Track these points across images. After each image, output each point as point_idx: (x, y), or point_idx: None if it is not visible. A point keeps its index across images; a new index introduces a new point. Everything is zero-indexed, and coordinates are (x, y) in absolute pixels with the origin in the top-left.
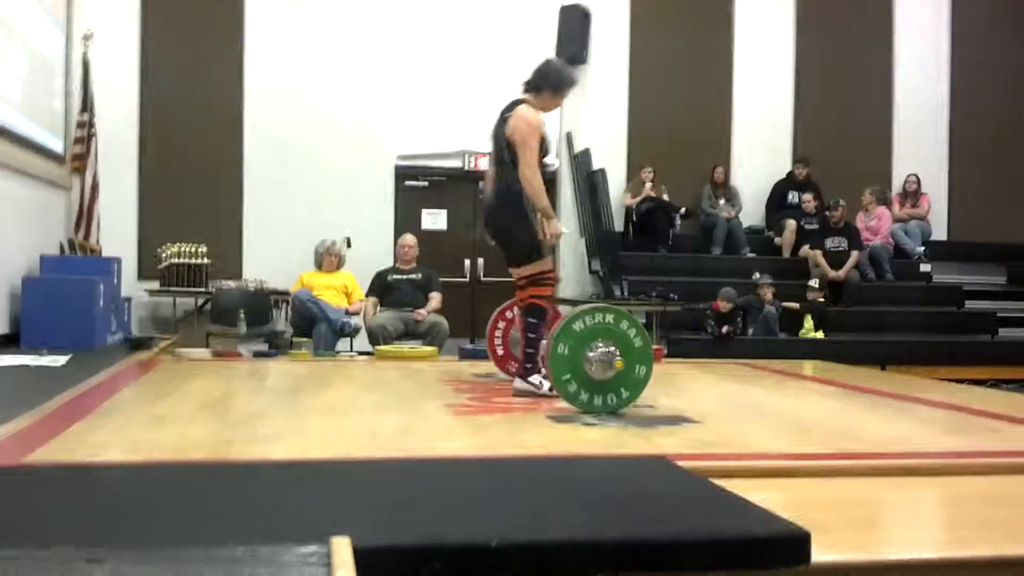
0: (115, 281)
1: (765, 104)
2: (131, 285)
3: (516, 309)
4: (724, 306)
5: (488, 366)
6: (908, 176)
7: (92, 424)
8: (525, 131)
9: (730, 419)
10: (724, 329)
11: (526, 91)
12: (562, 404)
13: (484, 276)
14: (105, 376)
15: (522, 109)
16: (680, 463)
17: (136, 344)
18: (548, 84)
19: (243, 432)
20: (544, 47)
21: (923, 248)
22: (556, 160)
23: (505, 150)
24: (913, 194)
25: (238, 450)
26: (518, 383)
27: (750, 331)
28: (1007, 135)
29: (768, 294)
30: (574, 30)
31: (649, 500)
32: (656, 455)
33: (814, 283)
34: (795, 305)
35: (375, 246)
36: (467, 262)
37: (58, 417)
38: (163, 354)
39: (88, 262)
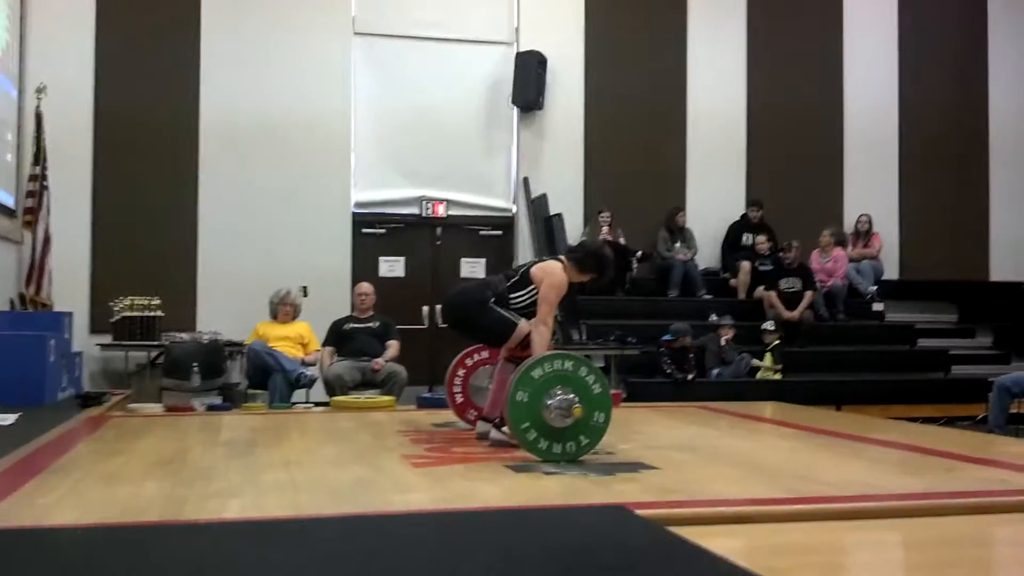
0: (66, 336)
1: (719, 146)
2: (83, 339)
3: (503, 361)
4: (683, 342)
5: (447, 415)
6: (860, 216)
7: (42, 484)
8: (548, 291)
9: (688, 464)
10: (690, 376)
11: (568, 257)
12: (524, 452)
13: (443, 323)
14: (56, 434)
15: (556, 267)
16: (639, 511)
17: (87, 400)
18: (591, 267)
19: (197, 489)
20: (500, 93)
21: (875, 287)
22: (514, 205)
23: (517, 276)
24: (865, 234)
25: (192, 509)
26: (495, 433)
27: (714, 372)
28: (957, 174)
29: (728, 335)
30: (530, 76)
31: (607, 552)
32: (615, 504)
33: (770, 325)
34: (760, 363)
35: (332, 295)
36: (425, 309)
37: (7, 478)
38: (115, 410)
39: (39, 317)
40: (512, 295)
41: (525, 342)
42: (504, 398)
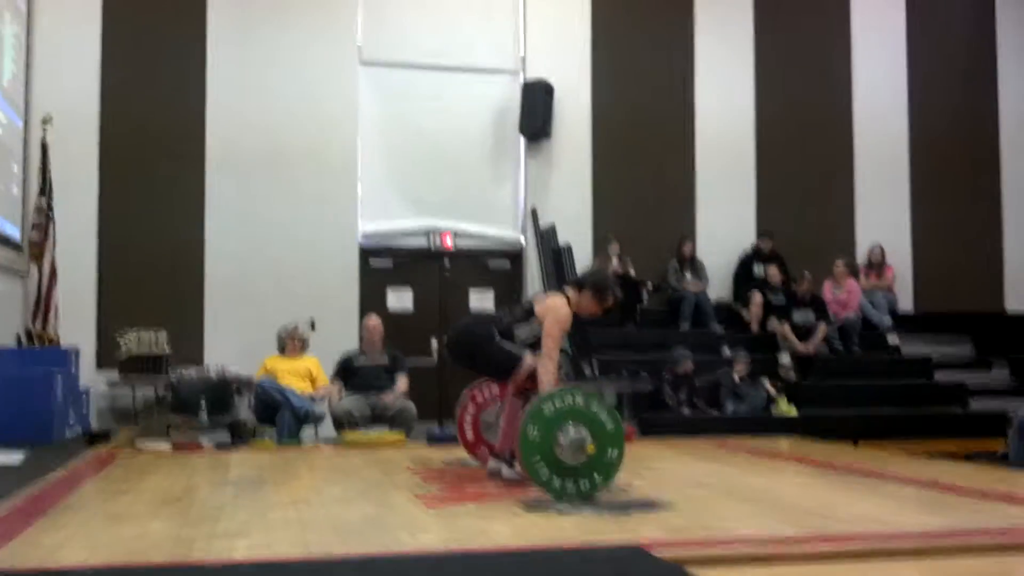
0: (73, 372)
1: (728, 173)
2: (90, 375)
3: (511, 396)
4: (684, 368)
5: (457, 451)
6: (872, 247)
7: (50, 524)
8: (553, 323)
9: (705, 502)
10: (686, 411)
11: (570, 289)
12: (536, 490)
13: (448, 357)
14: (63, 473)
15: (560, 301)
16: (656, 551)
17: (94, 438)
18: (590, 287)
19: (204, 529)
20: (508, 123)
21: (890, 319)
22: (522, 236)
23: (521, 310)
24: (878, 264)
25: (199, 549)
26: (506, 471)
27: (729, 407)
28: (969, 204)
29: (743, 368)
30: (537, 106)
31: None
32: (631, 544)
33: (785, 359)
34: (773, 391)
35: (340, 328)
36: (434, 342)
37: (15, 517)
38: (122, 447)
39: (46, 353)
40: (517, 329)
41: (532, 376)
42: (515, 434)
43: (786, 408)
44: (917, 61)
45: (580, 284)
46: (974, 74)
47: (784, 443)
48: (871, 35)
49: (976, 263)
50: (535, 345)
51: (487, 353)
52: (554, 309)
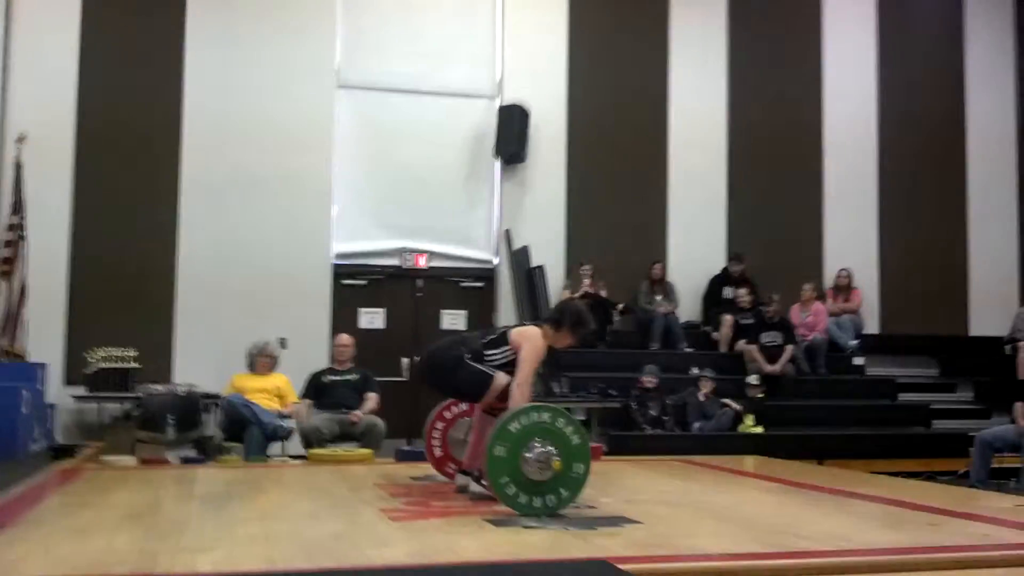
0: (40, 388)
1: (699, 201)
2: (57, 391)
3: (481, 413)
4: (649, 381)
5: (425, 467)
6: (840, 271)
7: (12, 537)
8: (529, 352)
9: (671, 518)
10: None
11: (546, 323)
12: (503, 505)
13: (422, 382)
14: (27, 487)
15: (536, 332)
16: (622, 566)
17: (59, 452)
18: (567, 326)
19: (169, 543)
20: (484, 147)
21: (856, 342)
22: (495, 257)
23: (495, 334)
24: (845, 288)
25: (163, 562)
26: (474, 486)
27: (696, 425)
28: (935, 229)
29: (708, 388)
30: (513, 129)
31: None
32: (598, 559)
33: (754, 379)
34: (737, 406)
35: (311, 347)
36: (405, 361)
37: None
38: (88, 462)
39: (12, 368)
40: (488, 352)
41: (503, 395)
42: (483, 451)
43: (752, 427)
44: (887, 87)
45: (558, 322)
46: (944, 88)
47: (750, 461)
48: (842, 59)
49: (942, 287)
50: (504, 368)
51: (457, 375)
52: (531, 339)
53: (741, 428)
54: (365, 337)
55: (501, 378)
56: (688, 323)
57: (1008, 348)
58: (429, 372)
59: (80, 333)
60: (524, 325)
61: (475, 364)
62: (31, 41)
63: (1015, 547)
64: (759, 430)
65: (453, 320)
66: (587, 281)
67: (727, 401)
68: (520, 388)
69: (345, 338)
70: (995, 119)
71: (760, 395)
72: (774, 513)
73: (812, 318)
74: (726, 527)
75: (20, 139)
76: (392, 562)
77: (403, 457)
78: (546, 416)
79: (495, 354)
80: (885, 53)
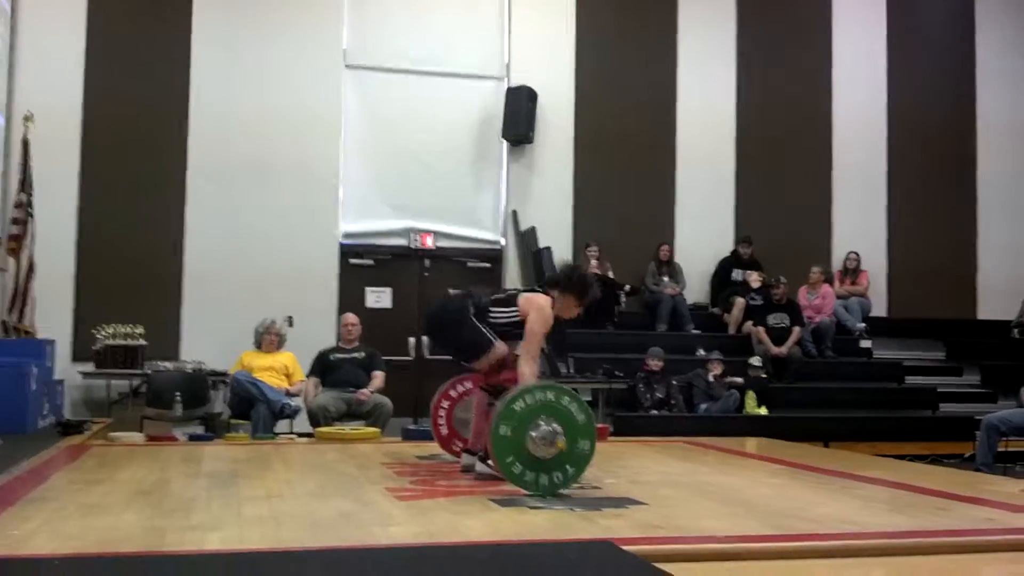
0: (48, 364)
1: (707, 183)
2: (65, 367)
3: (479, 391)
4: (655, 364)
5: (432, 447)
6: (848, 253)
7: (20, 513)
8: (536, 323)
9: (676, 499)
10: (652, 409)
11: (550, 287)
12: (509, 485)
13: (429, 355)
14: (35, 462)
15: (545, 300)
16: (626, 547)
17: (67, 428)
18: (573, 289)
19: (176, 521)
20: (491, 128)
21: (863, 324)
22: (502, 238)
23: (504, 295)
24: (853, 271)
25: (171, 540)
26: (480, 466)
27: (702, 407)
28: (944, 212)
29: (717, 370)
30: (521, 111)
31: None
32: (602, 539)
33: (756, 360)
34: (738, 380)
35: (318, 325)
36: (411, 340)
37: None
38: (96, 438)
39: (21, 344)
40: (493, 309)
41: (499, 365)
42: (487, 430)
43: (757, 409)
44: (896, 72)
45: (563, 287)
46: (953, 77)
47: (756, 444)
48: (851, 47)
49: (950, 270)
50: (507, 333)
51: (458, 330)
52: (539, 308)
53: (745, 410)
54: (372, 316)
55: (500, 347)
56: (695, 305)
57: (1016, 332)
58: (432, 324)
59: (88, 310)
60: (534, 291)
61: (478, 324)
62: (39, 20)
63: (1021, 531)
64: (764, 411)
65: None
66: (594, 263)
67: (733, 380)
68: (528, 363)
69: (352, 317)
70: (1005, 105)
71: (763, 376)
72: (780, 495)
73: (820, 300)
74: (731, 509)
75: (28, 118)
76: (398, 541)
77: (409, 436)
78: (550, 395)
79: (500, 312)
80: (894, 45)
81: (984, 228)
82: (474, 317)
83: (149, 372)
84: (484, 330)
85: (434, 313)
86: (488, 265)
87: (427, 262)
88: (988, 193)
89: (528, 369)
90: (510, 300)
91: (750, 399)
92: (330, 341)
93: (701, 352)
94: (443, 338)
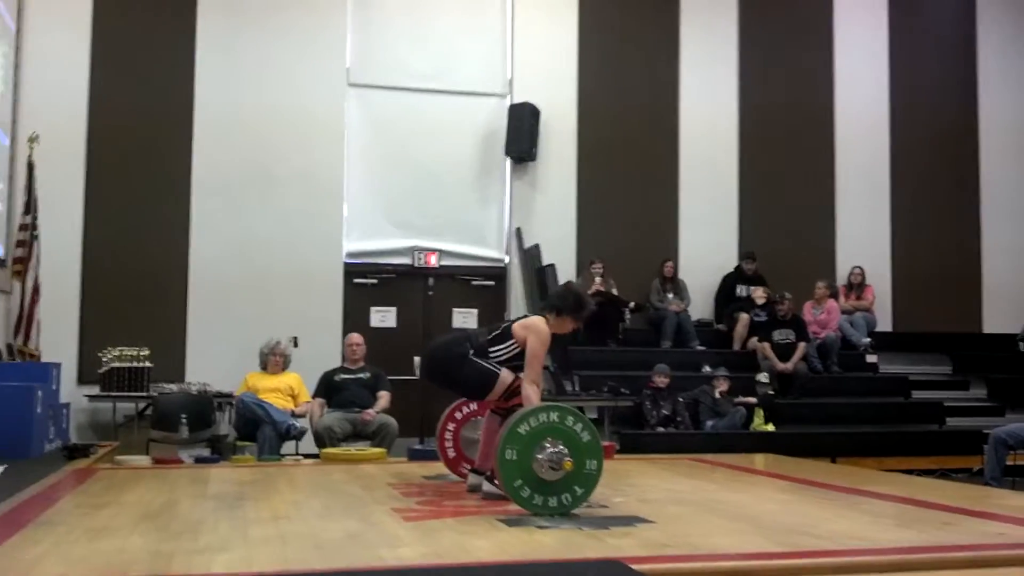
0: (54, 387)
1: (711, 199)
2: (70, 390)
3: (490, 413)
4: (661, 381)
5: (438, 466)
6: (853, 268)
7: (27, 538)
8: (536, 346)
9: (684, 517)
10: (658, 426)
11: (546, 311)
12: (514, 506)
13: (423, 377)
14: (42, 487)
15: (539, 321)
16: (636, 566)
17: (73, 452)
18: (569, 311)
19: (184, 544)
20: (494, 144)
21: (869, 339)
22: (506, 256)
23: (499, 329)
24: (858, 286)
25: (179, 564)
26: (487, 486)
27: (709, 424)
28: (949, 224)
29: (723, 387)
30: (524, 128)
31: None
32: (611, 559)
33: (763, 377)
34: (751, 400)
35: (322, 345)
36: (416, 359)
37: None
38: (102, 462)
39: (26, 368)
40: (492, 348)
41: (509, 392)
42: (494, 451)
43: (765, 426)
44: (899, 85)
45: (559, 309)
46: (955, 85)
47: (763, 460)
48: (854, 49)
49: (955, 284)
50: (510, 365)
51: (462, 371)
52: (536, 331)
53: (753, 426)
54: (377, 336)
55: (506, 375)
56: (700, 321)
57: (1022, 345)
58: (432, 368)
59: (93, 332)
60: (526, 317)
61: (480, 361)
62: (43, 41)
63: None
64: (771, 428)
65: (464, 319)
66: (598, 279)
67: (745, 399)
68: (532, 386)
69: (356, 337)
70: (1009, 115)
71: (770, 392)
72: (787, 512)
73: (825, 315)
74: (740, 526)
75: (32, 139)
76: (406, 562)
77: (415, 456)
78: (555, 416)
79: (499, 349)
80: (896, 49)
81: (988, 242)
82: (474, 357)
83: (155, 395)
84: (487, 365)
85: (433, 356)
86: (492, 283)
87: (431, 281)
88: (992, 207)
89: (533, 392)
90: (505, 335)
91: (758, 416)
92: (335, 361)
93: (707, 369)
94: (447, 381)
